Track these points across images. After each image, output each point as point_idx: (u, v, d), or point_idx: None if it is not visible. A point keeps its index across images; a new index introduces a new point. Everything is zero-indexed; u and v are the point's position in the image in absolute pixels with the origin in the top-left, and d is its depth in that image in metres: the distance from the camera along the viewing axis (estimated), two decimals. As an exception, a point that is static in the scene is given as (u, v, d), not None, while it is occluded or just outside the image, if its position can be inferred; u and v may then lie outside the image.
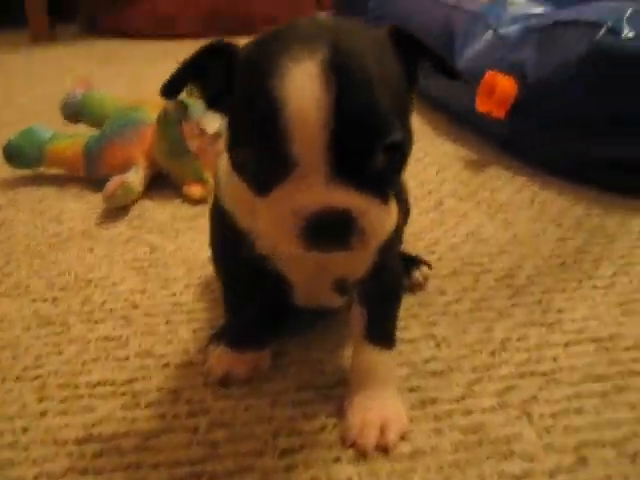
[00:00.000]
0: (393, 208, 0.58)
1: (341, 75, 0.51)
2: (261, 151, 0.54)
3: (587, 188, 1.24)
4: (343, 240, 0.55)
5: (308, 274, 0.73)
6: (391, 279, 0.75)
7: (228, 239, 0.74)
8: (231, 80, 0.59)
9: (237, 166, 0.60)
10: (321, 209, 0.53)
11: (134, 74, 2.28)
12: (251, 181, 0.59)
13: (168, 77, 0.61)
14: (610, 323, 0.87)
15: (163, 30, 2.82)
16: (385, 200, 0.57)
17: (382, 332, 0.75)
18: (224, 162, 0.69)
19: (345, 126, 0.51)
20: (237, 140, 0.58)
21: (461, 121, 1.55)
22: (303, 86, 0.51)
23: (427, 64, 0.63)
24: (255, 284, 0.77)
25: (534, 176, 1.30)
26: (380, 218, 0.56)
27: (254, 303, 0.80)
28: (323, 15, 0.64)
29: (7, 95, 2.13)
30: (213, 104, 0.63)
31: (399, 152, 0.56)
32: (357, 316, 0.75)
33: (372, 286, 0.73)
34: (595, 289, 0.94)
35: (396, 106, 0.55)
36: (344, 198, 0.53)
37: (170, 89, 0.61)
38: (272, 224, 0.57)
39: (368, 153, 0.54)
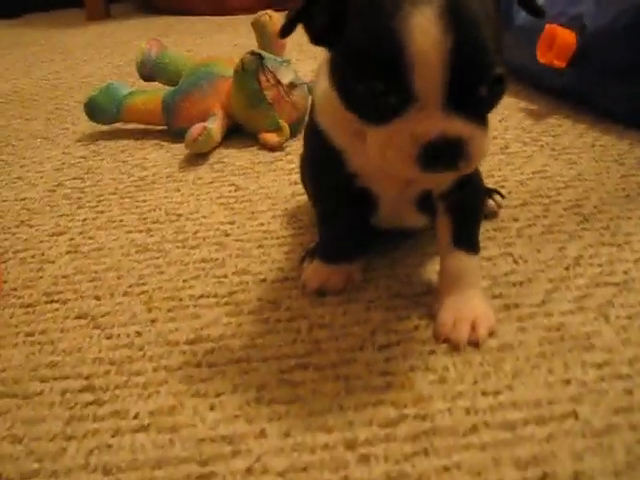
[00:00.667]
0: (489, 132, 0.66)
1: (455, 19, 0.58)
2: (384, 86, 0.61)
3: (646, 133, 1.28)
4: (453, 162, 0.64)
5: (394, 189, 0.80)
6: (473, 190, 0.82)
7: (322, 157, 0.81)
8: (341, 17, 0.64)
9: (351, 101, 0.67)
10: (439, 136, 0.61)
11: (192, 44, 2.35)
12: (367, 114, 0.66)
13: (284, 20, 0.67)
14: (677, 245, 0.92)
15: (216, 6, 2.87)
16: (486, 126, 0.64)
17: (467, 237, 0.82)
18: (321, 87, 0.75)
19: (459, 64, 0.58)
20: (354, 76, 0.64)
21: (521, 77, 1.59)
22: (424, 30, 0.58)
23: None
24: (345, 200, 0.84)
25: (594, 123, 1.35)
26: (483, 142, 0.64)
27: (344, 217, 0.87)
28: None
29: (71, 65, 2.21)
30: (318, 38, 0.69)
31: (501, 84, 0.63)
32: (443, 224, 0.81)
33: (455, 198, 0.80)
34: (660, 217, 0.99)
35: (497, 42, 0.62)
36: (457, 127, 0.61)
37: (287, 29, 0.67)
38: (389, 152, 0.64)
39: (477, 86, 0.61)
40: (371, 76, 0.61)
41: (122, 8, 3.22)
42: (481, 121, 0.63)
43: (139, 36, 2.55)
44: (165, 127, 1.45)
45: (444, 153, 0.62)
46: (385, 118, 0.63)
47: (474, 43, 0.59)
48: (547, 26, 1.36)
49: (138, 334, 0.82)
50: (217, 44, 2.35)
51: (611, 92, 1.32)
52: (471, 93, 0.61)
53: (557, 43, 1.33)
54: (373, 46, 0.61)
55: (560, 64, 1.33)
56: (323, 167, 0.83)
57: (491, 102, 0.64)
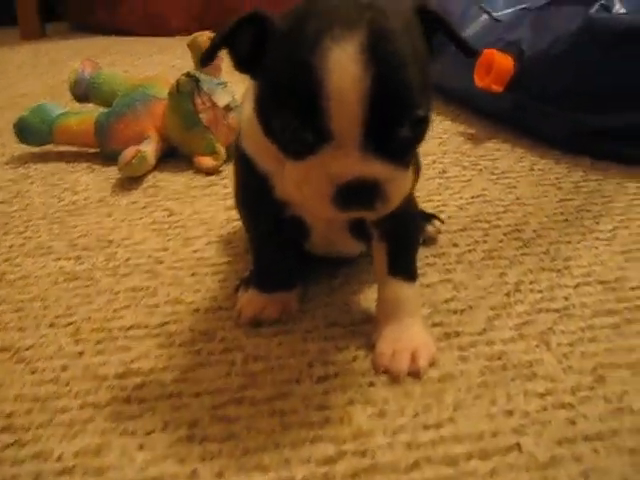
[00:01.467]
0: (411, 173, 0.65)
1: (377, 56, 0.56)
2: (299, 124, 0.59)
3: (583, 158, 1.29)
4: (369, 204, 0.61)
5: (325, 217, 0.77)
6: (408, 216, 0.79)
7: (250, 184, 0.79)
8: (263, 48, 0.62)
9: (269, 130, 0.65)
10: (353, 178, 0.59)
11: (130, 65, 2.31)
12: (284, 147, 0.64)
13: (207, 47, 0.65)
14: (615, 268, 0.92)
15: (154, 27, 2.83)
16: (406, 167, 0.63)
17: (404, 265, 0.80)
18: (246, 112, 0.73)
19: (378, 103, 0.56)
20: (272, 110, 0.62)
21: (459, 102, 1.60)
22: (343, 67, 0.55)
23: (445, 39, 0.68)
24: (276, 228, 0.81)
25: (532, 147, 1.35)
26: (401, 184, 0.62)
27: (278, 245, 0.84)
28: None
29: (3, 85, 2.14)
30: (243, 68, 0.67)
31: (423, 125, 0.61)
32: (379, 253, 0.79)
33: (390, 225, 0.77)
34: (598, 240, 0.99)
35: (422, 82, 0.59)
36: (374, 168, 0.59)
37: (208, 58, 0.65)
38: (303, 186, 0.62)
39: (397, 127, 0.59)
40: (288, 111, 0.59)
41: (58, 27, 3.15)
42: (402, 161, 0.61)
43: (75, 56, 2.49)
44: (98, 150, 1.40)
45: (360, 194, 0.60)
46: (301, 154, 0.61)
47: (396, 83, 0.57)
48: (485, 51, 1.37)
49: (64, 368, 0.78)
50: (155, 65, 2.31)
51: (548, 117, 1.33)
52: (391, 134, 0.59)
53: (495, 68, 1.33)
54: (290, 80, 0.58)
55: (498, 89, 1.34)
56: (252, 194, 0.81)
57: (412, 143, 0.62)
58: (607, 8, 1.22)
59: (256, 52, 0.63)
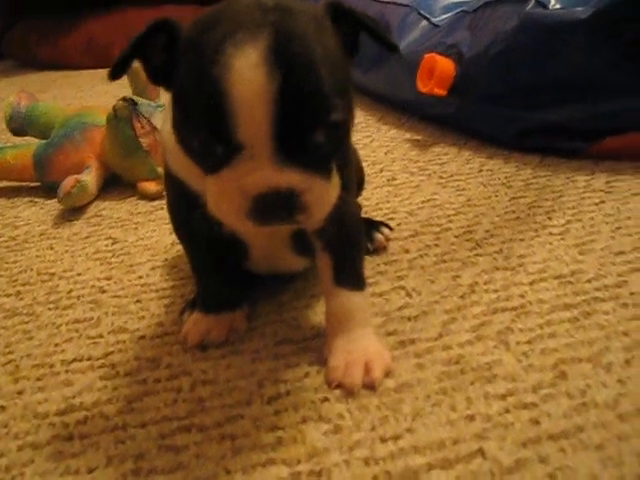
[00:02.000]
0: (335, 180, 0.61)
1: (283, 60, 0.53)
2: (208, 136, 0.56)
3: (531, 155, 1.28)
4: (288, 215, 0.58)
5: (262, 234, 0.75)
6: (350, 223, 0.76)
7: (181, 203, 0.76)
8: (174, 57, 0.60)
9: (183, 145, 0.62)
10: (267, 189, 0.56)
11: (73, 98, 2.26)
12: (198, 161, 0.61)
13: (116, 59, 0.62)
14: (570, 262, 0.90)
15: (99, 59, 2.79)
16: (327, 175, 0.60)
17: (350, 274, 0.76)
18: (167, 127, 0.69)
19: (288, 109, 0.54)
20: (183, 121, 0.60)
21: (404, 109, 1.59)
22: (246, 73, 0.53)
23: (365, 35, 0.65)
24: (214, 247, 0.78)
25: (479, 149, 1.34)
26: (322, 193, 0.59)
27: (219, 265, 0.81)
28: None
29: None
30: (156, 79, 0.64)
31: (340, 129, 0.59)
32: (324, 263, 0.76)
33: (332, 233, 0.74)
34: (551, 235, 0.97)
35: (336, 84, 0.57)
36: (288, 178, 0.56)
37: (117, 69, 0.62)
38: (220, 201, 0.60)
39: (310, 133, 0.56)
40: (197, 124, 0.57)
41: (1, 66, 3.09)
42: (322, 169, 0.58)
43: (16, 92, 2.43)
44: (38, 183, 1.36)
45: (277, 206, 0.57)
46: (215, 168, 0.58)
47: (304, 86, 0.54)
48: (426, 55, 1.36)
49: (2, 409, 0.73)
50: (99, 95, 2.26)
51: (491, 118, 1.32)
52: (305, 141, 0.56)
53: (437, 72, 1.32)
54: (196, 91, 0.56)
55: (441, 92, 1.33)
56: (184, 214, 0.77)
57: (330, 149, 0.59)
58: (543, 5, 1.22)
59: (168, 62, 0.61)
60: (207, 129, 0.56)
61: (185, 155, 0.63)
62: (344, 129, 0.59)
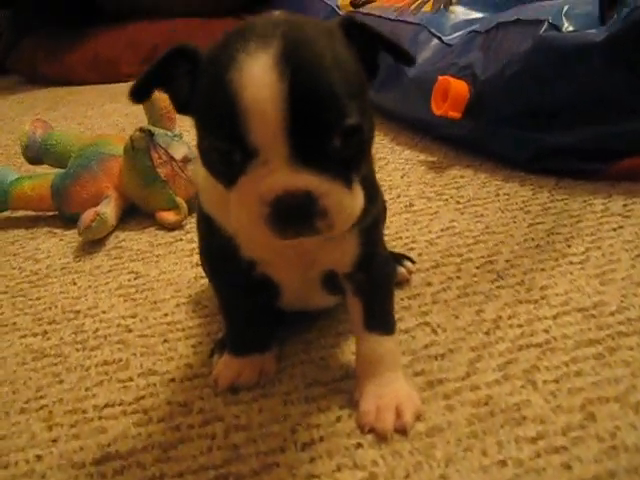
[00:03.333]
0: (358, 192, 0.61)
1: (293, 63, 0.54)
2: (223, 143, 0.57)
3: (547, 178, 1.29)
4: (308, 223, 0.58)
5: (295, 273, 0.75)
6: (379, 268, 0.77)
7: (215, 245, 0.76)
8: (195, 82, 0.61)
9: (206, 163, 0.63)
10: (283, 192, 0.56)
11: (82, 116, 2.27)
12: (218, 174, 0.62)
13: (134, 82, 0.62)
14: (592, 293, 0.91)
15: (106, 74, 2.81)
16: (348, 184, 0.59)
17: (380, 319, 0.77)
18: (201, 169, 0.71)
19: (300, 111, 0.54)
20: (203, 137, 0.61)
21: (417, 129, 1.60)
22: (257, 77, 0.54)
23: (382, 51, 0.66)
24: (246, 289, 0.79)
25: (495, 171, 1.35)
26: (343, 200, 0.58)
27: (249, 307, 0.82)
28: (278, 12, 0.66)
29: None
30: (182, 107, 0.65)
31: (357, 135, 0.58)
32: (354, 307, 0.77)
33: (362, 278, 0.75)
34: (572, 265, 0.98)
35: (351, 91, 0.57)
36: (304, 180, 0.56)
37: (138, 92, 0.63)
38: (241, 214, 0.59)
39: (325, 136, 0.56)
40: (215, 134, 0.58)
41: (6, 82, 3.10)
42: (342, 176, 0.58)
43: (26, 111, 2.45)
44: (57, 212, 1.37)
45: (296, 212, 0.57)
46: (234, 177, 0.58)
47: (316, 89, 0.55)
48: (440, 78, 1.37)
49: (38, 458, 0.74)
50: (108, 115, 2.27)
51: (506, 139, 1.33)
52: (321, 145, 0.56)
53: (451, 94, 1.33)
54: (213, 103, 0.57)
55: (455, 115, 1.33)
56: (217, 255, 0.78)
57: (350, 154, 0.59)
58: (556, 27, 1.22)
59: (192, 89, 0.62)
60: (223, 137, 0.57)
61: (222, 196, 0.63)
62: (361, 134, 0.59)
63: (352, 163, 0.60)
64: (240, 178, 0.58)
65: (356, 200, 0.61)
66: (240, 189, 0.58)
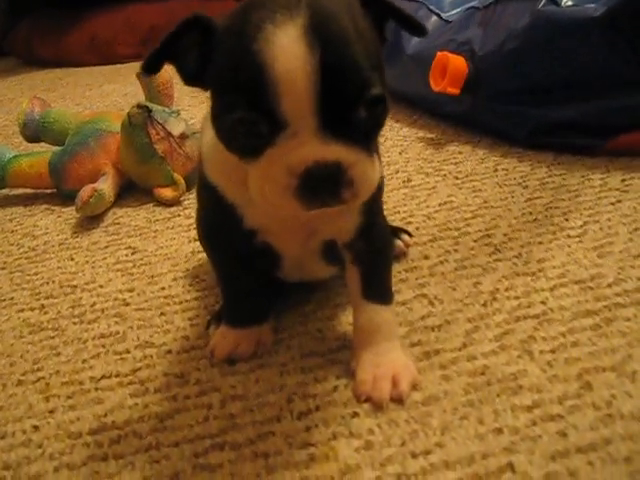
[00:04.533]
0: (377, 161, 0.62)
1: (321, 36, 0.54)
2: (251, 114, 0.56)
3: (545, 153, 1.28)
4: (336, 192, 0.58)
5: (296, 242, 0.76)
6: (379, 237, 0.77)
7: (217, 215, 0.76)
8: (209, 52, 0.60)
9: (225, 135, 0.62)
10: (314, 163, 0.56)
11: (81, 97, 2.27)
12: (241, 147, 0.61)
13: (147, 55, 0.62)
14: (589, 266, 0.90)
15: (103, 55, 2.80)
16: (370, 153, 0.60)
17: (378, 289, 0.77)
18: (207, 138, 0.71)
19: (329, 84, 0.54)
20: (224, 108, 0.59)
21: (416, 106, 1.59)
22: (287, 49, 0.53)
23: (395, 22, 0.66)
24: (246, 259, 0.79)
25: (493, 147, 1.35)
26: (367, 169, 0.59)
27: (247, 278, 0.82)
28: None
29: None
30: (192, 78, 0.64)
31: (380, 105, 0.58)
32: (352, 277, 0.77)
33: (361, 246, 0.75)
34: (570, 238, 0.98)
35: (373, 63, 0.57)
36: (334, 152, 0.56)
37: (150, 64, 0.62)
38: (267, 187, 0.59)
39: (353, 107, 0.56)
40: (240, 105, 0.56)
41: (4, 64, 3.10)
42: (365, 146, 0.58)
43: (24, 92, 2.44)
44: (55, 190, 1.37)
45: (324, 182, 0.57)
46: (259, 149, 0.58)
47: (344, 61, 0.55)
48: (438, 54, 1.36)
49: (35, 429, 0.75)
50: (107, 95, 2.27)
51: (504, 116, 1.32)
52: (347, 115, 0.56)
53: (449, 70, 1.32)
54: (238, 73, 0.56)
55: (454, 91, 1.33)
56: (219, 225, 0.77)
57: (373, 124, 0.59)
58: (555, 2, 1.22)
59: (203, 60, 0.61)
60: (251, 108, 0.56)
61: (228, 165, 0.64)
62: (383, 106, 0.59)
63: (373, 133, 0.61)
64: (266, 150, 0.57)
65: (376, 169, 0.61)
66: (267, 161, 0.58)
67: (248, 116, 0.57)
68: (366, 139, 0.59)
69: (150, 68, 0.62)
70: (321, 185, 0.57)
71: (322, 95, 0.54)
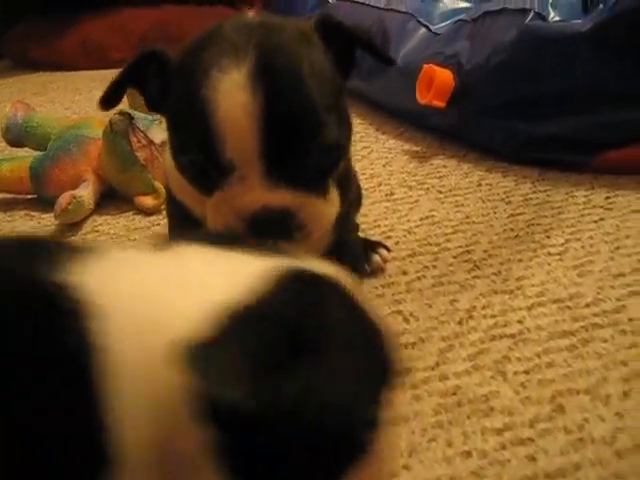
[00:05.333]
0: (334, 197, 0.61)
1: (267, 80, 0.54)
2: (200, 158, 0.57)
3: (530, 169, 1.27)
4: (286, 234, 0.58)
5: None
6: (350, 253, 0.77)
7: (183, 228, 0.75)
8: (166, 85, 0.61)
9: (180, 170, 0.62)
10: (261, 209, 0.56)
11: (70, 101, 2.25)
12: (195, 184, 0.61)
13: (105, 89, 0.64)
14: (568, 285, 0.89)
15: (96, 60, 2.78)
16: (324, 192, 0.59)
17: None
18: (170, 153, 0.70)
19: (275, 129, 0.54)
20: (178, 146, 0.61)
21: (402, 118, 1.58)
22: (230, 97, 0.54)
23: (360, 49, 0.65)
24: None
25: (478, 162, 1.33)
26: (319, 210, 0.59)
27: None
28: (251, 13, 0.65)
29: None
30: (154, 107, 0.65)
31: (333, 147, 0.58)
32: None
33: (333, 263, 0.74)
34: (550, 256, 0.96)
35: (328, 103, 0.57)
36: (281, 197, 0.56)
37: (109, 99, 0.63)
38: (218, 222, 0.59)
39: (302, 153, 0.56)
40: (191, 147, 0.57)
41: (-4, 66, 3.08)
42: (317, 187, 0.58)
43: (14, 96, 2.42)
44: (35, 195, 1.35)
45: (272, 226, 0.57)
46: (208, 190, 0.59)
47: (291, 107, 0.54)
48: (425, 66, 1.35)
49: None
50: (96, 100, 2.23)
51: (490, 130, 1.31)
52: (296, 159, 0.56)
53: (436, 83, 1.31)
54: (188, 116, 0.57)
55: (440, 104, 1.31)
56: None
57: (325, 166, 0.59)
58: (542, 17, 1.21)
59: (164, 90, 0.61)
60: (199, 152, 0.56)
61: (186, 182, 0.63)
62: (337, 146, 0.58)
63: (328, 173, 0.60)
64: (216, 191, 0.58)
65: (332, 206, 0.61)
66: (216, 201, 0.58)
67: (198, 159, 0.57)
68: (321, 178, 0.59)
69: (108, 101, 0.63)
70: (269, 228, 0.57)
71: (268, 141, 0.54)
